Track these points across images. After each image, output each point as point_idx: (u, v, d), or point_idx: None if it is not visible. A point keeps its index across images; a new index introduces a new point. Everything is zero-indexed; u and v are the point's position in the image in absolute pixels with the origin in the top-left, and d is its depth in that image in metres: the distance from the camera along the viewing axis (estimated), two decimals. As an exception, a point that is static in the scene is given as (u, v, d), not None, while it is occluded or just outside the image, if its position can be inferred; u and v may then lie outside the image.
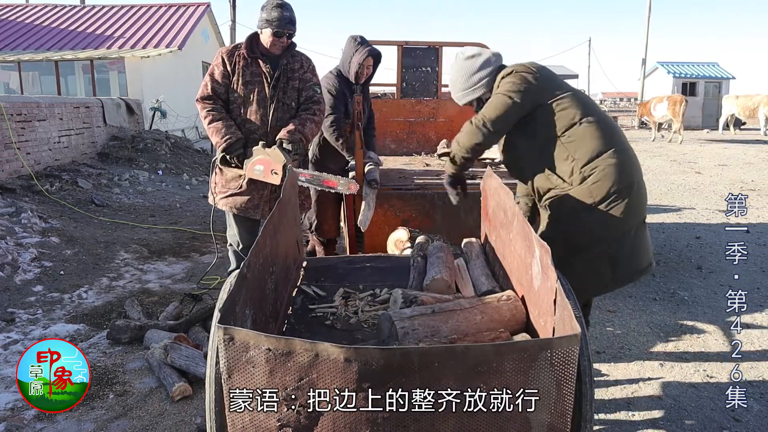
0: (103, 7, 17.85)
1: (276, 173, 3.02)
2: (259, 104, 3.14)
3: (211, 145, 13.29)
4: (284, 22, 3.03)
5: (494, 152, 4.39)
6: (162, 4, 17.71)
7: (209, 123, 3.08)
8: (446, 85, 4.31)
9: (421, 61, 5.41)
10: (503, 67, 2.51)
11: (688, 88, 23.80)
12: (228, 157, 3.07)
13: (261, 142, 3.08)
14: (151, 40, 15.54)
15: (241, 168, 3.10)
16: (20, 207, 5.75)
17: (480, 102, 2.54)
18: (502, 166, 4.49)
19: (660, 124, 17.91)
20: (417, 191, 3.63)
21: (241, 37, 3.33)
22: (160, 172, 9.08)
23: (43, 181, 7.01)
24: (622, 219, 2.23)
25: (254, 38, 3.15)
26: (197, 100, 3.14)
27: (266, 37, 3.07)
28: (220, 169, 3.20)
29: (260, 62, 3.13)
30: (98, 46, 15.48)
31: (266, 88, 3.14)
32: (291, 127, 3.12)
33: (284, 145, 3.06)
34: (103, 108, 9.65)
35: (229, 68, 3.12)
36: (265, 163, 3.02)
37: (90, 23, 16.80)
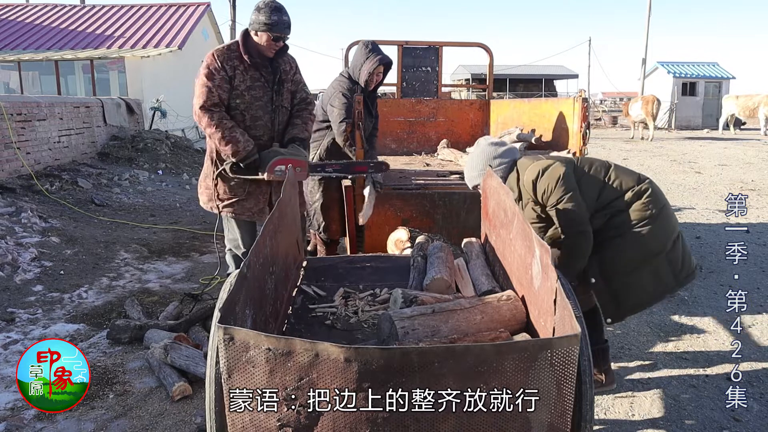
0: (103, 6, 17.84)
1: (301, 170, 3.01)
2: (263, 109, 3.10)
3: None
4: (283, 27, 2.98)
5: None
6: (162, 3, 17.70)
7: (222, 133, 2.95)
8: (446, 85, 4.31)
9: (421, 60, 5.41)
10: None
11: (688, 88, 23.78)
12: (242, 165, 3.03)
13: (275, 144, 3.09)
14: (151, 40, 15.53)
15: (251, 174, 3.07)
16: (20, 207, 5.75)
17: None
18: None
19: (644, 123, 18.66)
20: (417, 191, 3.63)
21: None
22: (160, 171, 9.08)
23: (43, 180, 7.01)
24: (673, 227, 2.52)
25: (247, 40, 3.05)
26: (201, 107, 2.98)
27: (263, 40, 3.00)
28: (223, 177, 3.14)
29: (259, 66, 3.07)
30: (98, 45, 15.48)
31: (268, 93, 3.11)
32: (299, 127, 3.16)
33: (297, 144, 3.10)
34: (103, 108, 9.65)
35: (228, 73, 3.01)
36: (286, 162, 3.00)
37: (90, 23, 16.80)
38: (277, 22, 2.96)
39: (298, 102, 3.25)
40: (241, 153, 2.98)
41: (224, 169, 3.08)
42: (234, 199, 3.16)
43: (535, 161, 2.57)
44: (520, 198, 2.66)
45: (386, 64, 3.79)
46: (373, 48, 3.77)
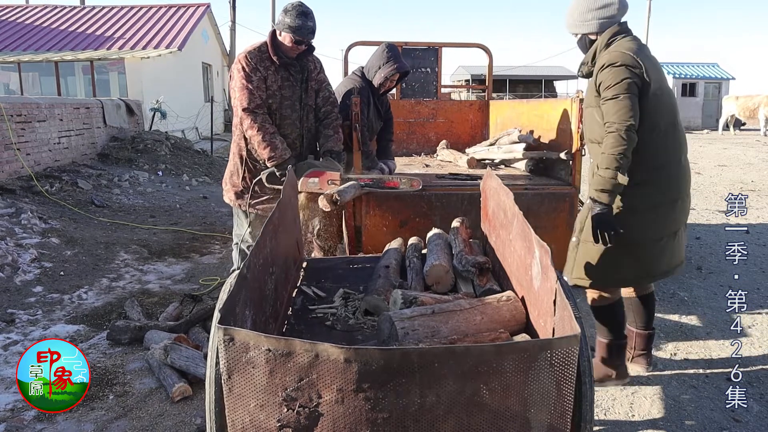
0: (103, 7, 17.86)
1: (334, 182, 3.05)
2: (292, 108, 3.18)
3: (212, 146, 13.23)
4: (307, 32, 3.06)
5: (494, 153, 4.39)
6: (162, 4, 17.72)
7: (263, 136, 3.04)
8: (446, 86, 4.31)
9: (420, 61, 5.41)
10: (622, 25, 2.51)
11: (688, 89, 23.81)
12: (278, 173, 3.07)
13: (310, 156, 3.17)
14: (151, 41, 15.54)
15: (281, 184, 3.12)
16: (20, 208, 5.75)
17: (583, 37, 2.57)
18: (502, 166, 4.49)
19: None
20: (415, 192, 3.63)
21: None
22: (160, 172, 9.08)
23: (43, 181, 7.01)
24: (661, 227, 2.47)
25: (275, 40, 3.13)
26: (245, 109, 3.05)
27: (286, 41, 3.09)
28: (259, 184, 3.20)
29: (288, 66, 3.15)
30: (98, 46, 15.49)
31: (297, 92, 3.19)
32: (333, 139, 3.25)
33: (332, 156, 3.16)
34: (103, 109, 9.65)
35: (263, 73, 3.10)
36: (320, 175, 3.04)
37: (90, 24, 16.81)
38: (301, 27, 3.04)
39: (322, 102, 3.31)
40: (277, 159, 3.05)
41: (261, 179, 3.16)
42: (264, 197, 3.23)
43: (619, 50, 2.40)
44: (590, 75, 2.54)
45: (404, 73, 3.81)
46: (393, 54, 3.76)
